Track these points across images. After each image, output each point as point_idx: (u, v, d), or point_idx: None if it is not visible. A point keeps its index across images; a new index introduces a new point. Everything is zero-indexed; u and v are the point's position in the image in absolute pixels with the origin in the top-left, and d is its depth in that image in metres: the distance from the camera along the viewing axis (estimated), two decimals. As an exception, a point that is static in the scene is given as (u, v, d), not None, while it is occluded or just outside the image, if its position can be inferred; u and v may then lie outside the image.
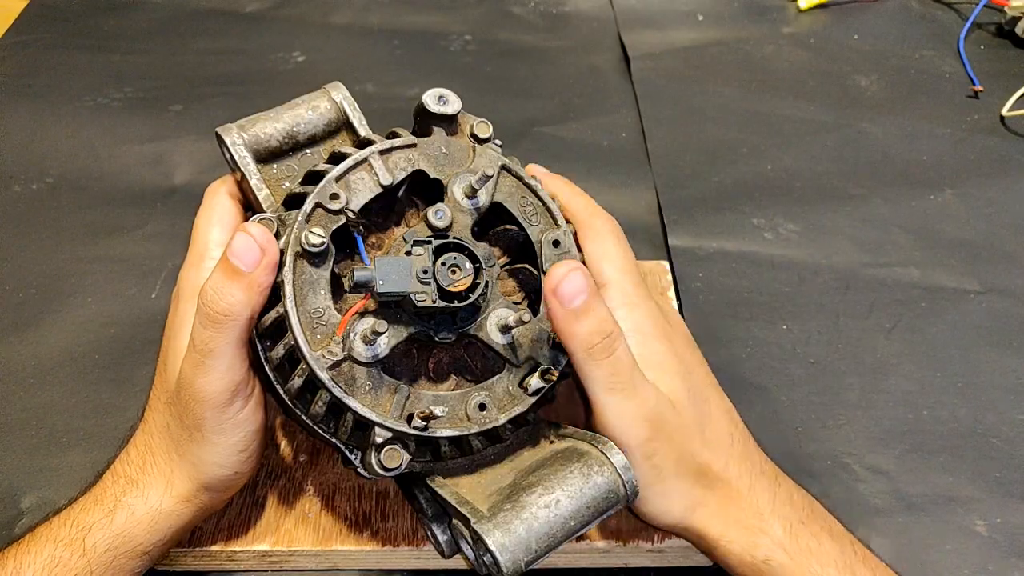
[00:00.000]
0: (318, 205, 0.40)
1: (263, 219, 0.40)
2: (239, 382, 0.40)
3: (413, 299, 0.39)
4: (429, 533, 0.44)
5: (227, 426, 0.41)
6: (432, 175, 0.43)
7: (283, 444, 0.52)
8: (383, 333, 0.38)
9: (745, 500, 0.43)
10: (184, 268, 0.44)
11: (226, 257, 0.38)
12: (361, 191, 0.41)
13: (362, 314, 0.40)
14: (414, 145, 0.43)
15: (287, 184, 0.45)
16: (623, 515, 0.50)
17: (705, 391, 0.46)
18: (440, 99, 0.44)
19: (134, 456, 0.43)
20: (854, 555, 0.43)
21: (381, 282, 0.38)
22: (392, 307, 0.41)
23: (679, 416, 0.43)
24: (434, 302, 0.39)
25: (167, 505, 0.42)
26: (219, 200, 0.45)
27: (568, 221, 0.45)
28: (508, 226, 0.45)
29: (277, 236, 0.40)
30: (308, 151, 0.46)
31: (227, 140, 0.44)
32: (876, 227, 0.73)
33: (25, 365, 0.60)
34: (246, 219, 0.43)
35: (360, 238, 0.41)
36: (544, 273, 0.43)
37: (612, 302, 0.44)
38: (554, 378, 0.42)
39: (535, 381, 0.42)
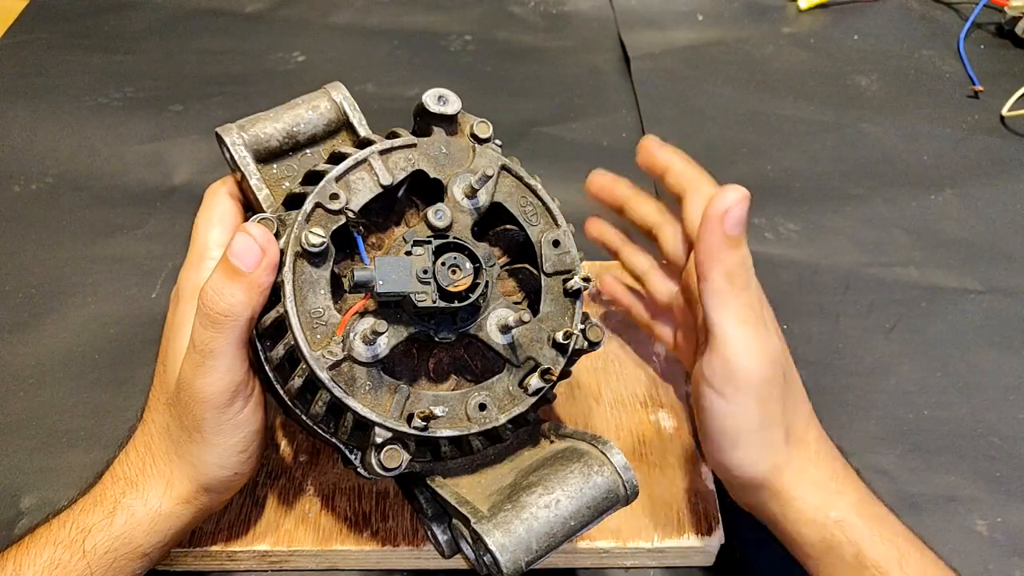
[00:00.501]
0: (318, 205, 0.40)
1: (263, 219, 0.40)
2: (239, 382, 0.40)
3: (413, 299, 0.39)
4: (429, 533, 0.44)
5: (227, 427, 0.41)
6: (432, 175, 0.43)
7: (283, 444, 0.52)
8: (383, 333, 0.38)
9: (823, 463, 0.43)
10: (184, 268, 0.44)
11: (226, 257, 0.38)
12: (361, 191, 0.41)
13: (362, 314, 0.40)
14: (414, 145, 0.43)
15: (287, 184, 0.45)
16: (623, 515, 0.49)
17: (791, 360, 0.46)
18: (440, 99, 0.44)
19: (133, 457, 0.43)
20: (913, 534, 0.43)
21: (381, 282, 0.38)
22: (392, 307, 0.41)
23: (785, 369, 0.43)
24: (434, 302, 0.39)
25: (167, 506, 0.42)
26: (219, 200, 0.45)
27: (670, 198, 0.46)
28: (508, 226, 0.45)
29: (277, 236, 0.40)
30: (308, 151, 0.46)
31: (227, 140, 0.44)
32: (876, 227, 0.73)
33: (25, 365, 0.60)
34: (246, 219, 0.43)
35: (360, 238, 0.41)
36: (544, 273, 0.43)
37: None
38: (554, 378, 0.42)
39: (535, 381, 0.42)
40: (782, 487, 0.42)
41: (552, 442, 0.44)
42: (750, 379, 0.41)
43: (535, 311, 0.43)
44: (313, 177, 0.42)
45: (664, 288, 0.54)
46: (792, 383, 0.44)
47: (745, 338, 0.41)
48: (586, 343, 0.44)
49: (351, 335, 0.39)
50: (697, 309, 0.44)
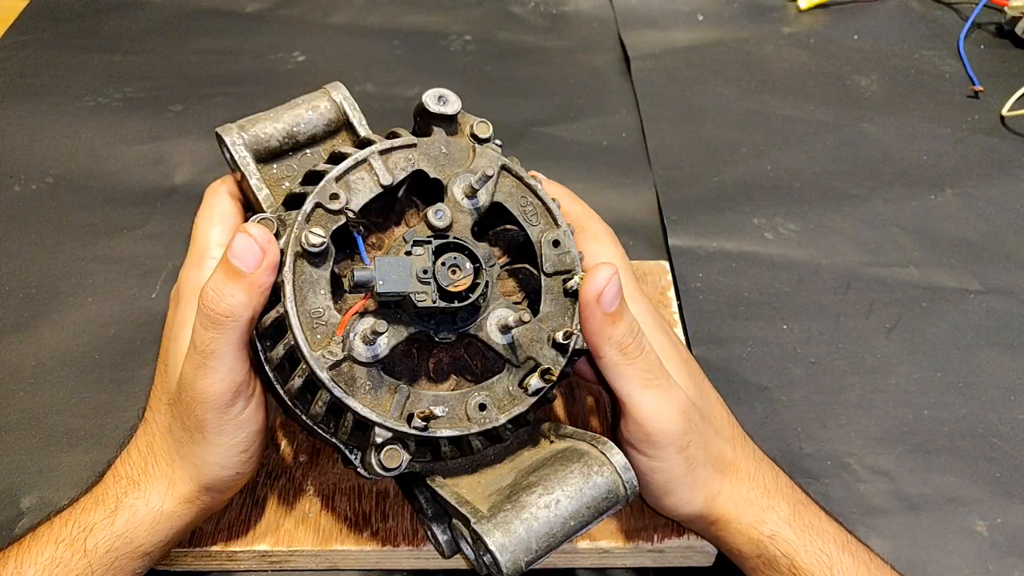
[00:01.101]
0: (318, 205, 0.40)
1: (263, 219, 0.40)
2: (240, 383, 0.40)
3: (413, 299, 0.39)
4: (429, 533, 0.44)
5: (229, 427, 0.41)
6: (432, 175, 0.43)
7: (283, 444, 0.52)
8: (383, 333, 0.38)
9: (753, 481, 0.45)
10: (184, 268, 0.44)
11: (227, 258, 0.38)
12: (361, 191, 0.41)
13: (362, 314, 0.40)
14: (414, 145, 0.43)
15: (287, 184, 0.45)
16: (623, 515, 0.50)
17: (702, 380, 0.48)
18: (440, 99, 0.44)
19: (135, 457, 0.43)
20: (849, 536, 0.44)
21: (381, 282, 0.38)
22: (392, 307, 0.41)
23: (698, 407, 0.44)
24: (434, 302, 0.39)
25: (168, 506, 0.42)
26: (219, 200, 0.45)
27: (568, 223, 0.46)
28: (508, 226, 0.45)
29: (277, 236, 0.40)
30: (308, 151, 0.46)
31: (227, 140, 0.44)
32: (876, 227, 0.73)
33: (25, 365, 0.60)
34: (246, 219, 0.43)
35: (360, 238, 0.41)
36: (544, 273, 0.43)
37: None
38: (554, 378, 0.42)
39: (535, 381, 0.42)
40: (718, 514, 0.44)
41: (552, 442, 0.44)
42: (666, 437, 0.42)
43: (535, 311, 0.43)
44: (313, 177, 0.42)
45: None
46: (712, 417, 0.45)
47: (651, 400, 0.42)
48: (586, 343, 0.44)
49: (351, 335, 0.39)
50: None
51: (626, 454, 0.43)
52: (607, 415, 0.55)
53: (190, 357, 0.40)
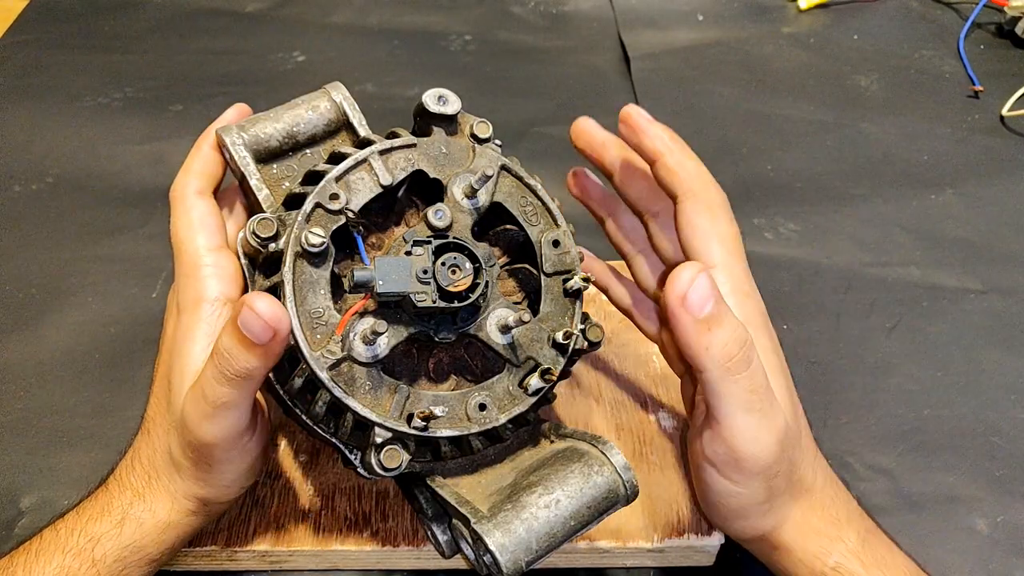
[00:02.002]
0: (318, 205, 0.40)
1: (263, 219, 0.40)
2: (248, 423, 0.39)
3: (413, 299, 0.39)
4: (429, 533, 0.44)
5: (235, 456, 0.40)
6: (432, 175, 0.42)
7: (283, 444, 0.52)
8: (383, 333, 0.38)
9: (827, 510, 0.41)
10: (179, 279, 0.42)
11: (236, 326, 0.35)
12: (361, 191, 0.41)
13: (362, 314, 0.40)
14: (414, 145, 0.42)
15: (287, 184, 0.45)
16: (623, 515, 0.49)
17: (795, 398, 0.42)
18: (440, 99, 0.44)
19: (139, 469, 0.43)
20: (918, 569, 0.41)
21: (381, 282, 0.38)
22: (392, 307, 0.41)
23: (795, 436, 0.40)
24: (434, 302, 0.39)
25: (175, 518, 0.42)
26: (191, 203, 0.43)
27: (673, 191, 0.41)
28: (508, 226, 0.45)
29: (277, 236, 0.40)
30: (308, 151, 0.46)
31: (227, 140, 0.44)
32: (876, 227, 0.73)
33: (25, 365, 0.60)
34: (243, 222, 0.42)
35: (360, 238, 0.41)
36: (544, 273, 0.43)
37: (721, 288, 0.39)
38: (554, 378, 0.42)
39: (535, 381, 0.41)
40: (783, 540, 0.41)
41: (552, 442, 0.44)
42: (757, 466, 0.38)
43: (535, 311, 0.43)
44: (313, 177, 0.42)
45: (651, 278, 0.48)
46: (799, 439, 0.41)
47: (751, 426, 0.38)
48: (586, 343, 0.44)
49: (351, 335, 0.39)
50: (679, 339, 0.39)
51: (702, 470, 0.40)
52: (608, 415, 0.55)
53: (198, 404, 0.38)
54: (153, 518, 0.42)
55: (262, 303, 0.34)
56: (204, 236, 0.42)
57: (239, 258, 0.42)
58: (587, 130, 0.48)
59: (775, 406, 0.39)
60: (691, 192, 0.42)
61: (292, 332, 0.38)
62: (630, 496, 0.40)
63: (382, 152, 0.42)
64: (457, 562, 0.45)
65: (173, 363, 0.41)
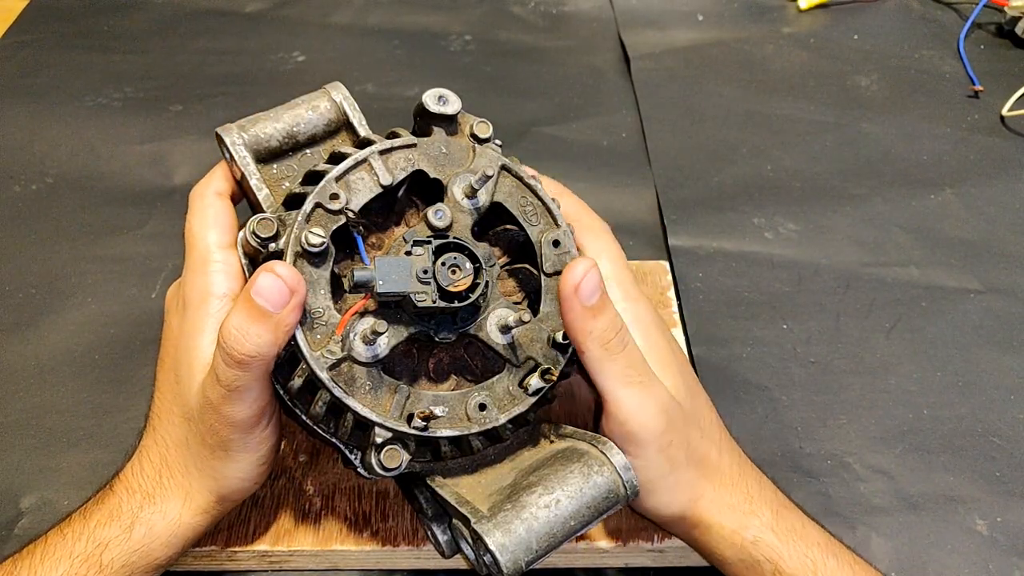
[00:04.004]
0: (318, 205, 0.40)
1: (263, 219, 0.40)
2: (265, 405, 0.40)
3: (413, 299, 0.39)
4: (429, 533, 0.44)
5: (252, 444, 0.41)
6: (432, 175, 0.43)
7: (283, 444, 0.52)
8: (383, 333, 0.38)
9: (737, 486, 0.45)
10: (187, 273, 0.43)
11: (249, 297, 0.36)
12: (361, 191, 0.41)
13: (362, 314, 0.40)
14: (414, 145, 0.43)
15: (287, 184, 0.45)
16: (623, 515, 0.50)
17: (694, 383, 0.47)
18: (440, 99, 0.44)
19: (148, 469, 0.43)
20: (831, 539, 0.44)
21: (381, 282, 0.38)
22: (392, 307, 0.41)
23: (682, 408, 0.44)
24: (434, 302, 0.39)
25: (186, 518, 0.42)
26: (209, 202, 0.44)
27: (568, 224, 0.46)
28: (508, 226, 0.45)
29: (277, 236, 0.40)
30: (308, 151, 0.46)
31: (227, 140, 0.44)
32: (876, 227, 0.73)
33: (25, 365, 0.60)
34: (242, 225, 0.42)
35: (360, 238, 0.41)
36: (544, 273, 0.43)
37: (612, 295, 0.44)
38: (554, 378, 0.42)
39: (535, 381, 0.42)
40: (700, 517, 0.44)
41: (552, 442, 0.44)
42: (647, 435, 0.41)
43: (535, 311, 0.43)
44: (313, 177, 0.42)
45: None
46: (697, 417, 0.45)
47: (632, 398, 0.41)
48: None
49: (351, 335, 0.39)
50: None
51: None
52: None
53: (213, 387, 0.38)
54: (164, 520, 0.42)
55: (282, 268, 0.37)
56: (216, 233, 0.43)
57: (240, 258, 0.42)
58: None
59: (654, 381, 0.43)
60: (578, 222, 0.48)
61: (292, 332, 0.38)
62: (630, 496, 0.40)
63: (382, 152, 0.42)
64: (457, 562, 0.45)
65: (180, 357, 0.42)
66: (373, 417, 0.39)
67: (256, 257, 0.41)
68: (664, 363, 0.45)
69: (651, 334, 0.45)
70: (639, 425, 0.41)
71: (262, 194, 0.44)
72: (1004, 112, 0.84)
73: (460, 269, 0.40)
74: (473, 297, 0.40)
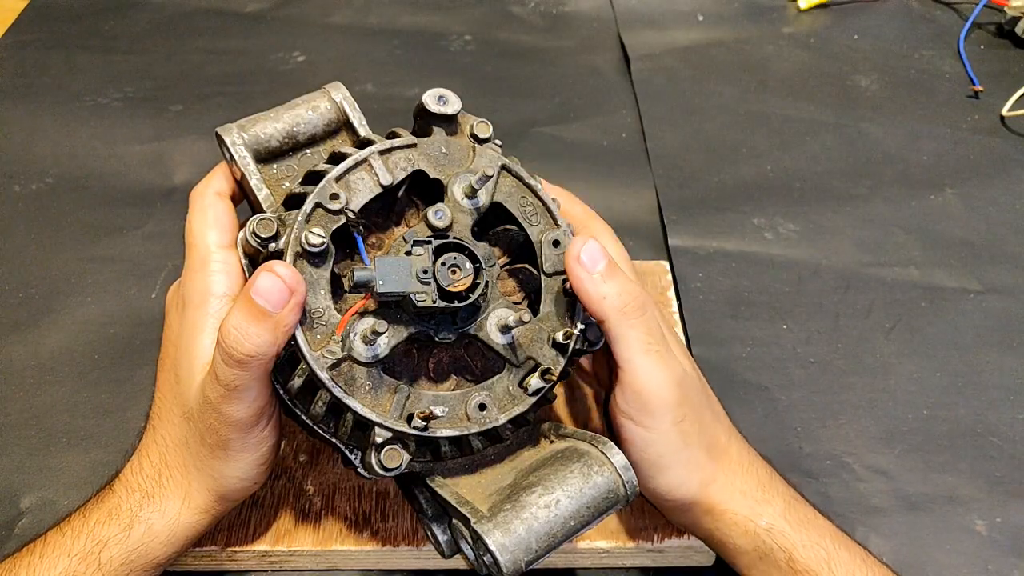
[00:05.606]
0: (318, 205, 0.40)
1: (263, 219, 0.40)
2: (265, 405, 0.40)
3: (413, 299, 0.39)
4: (429, 533, 0.44)
5: (251, 444, 0.41)
6: (432, 175, 0.43)
7: (283, 444, 0.52)
8: (383, 333, 0.38)
9: (748, 473, 0.44)
10: (187, 273, 0.43)
11: (249, 297, 0.36)
12: (361, 191, 0.41)
13: (362, 314, 0.40)
14: (414, 145, 0.43)
15: (287, 184, 0.45)
16: (623, 515, 0.50)
17: (696, 367, 0.47)
18: (440, 99, 0.44)
19: (148, 469, 0.43)
20: (843, 532, 0.44)
21: (381, 282, 0.38)
22: (392, 307, 0.41)
23: (697, 384, 0.44)
24: (434, 302, 0.39)
25: (185, 517, 0.42)
26: (209, 202, 0.44)
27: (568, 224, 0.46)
28: (508, 226, 0.45)
29: (277, 236, 0.40)
30: (308, 151, 0.46)
31: (227, 140, 0.44)
32: (876, 227, 0.73)
33: (25, 365, 0.60)
34: (242, 224, 0.42)
35: (360, 238, 0.41)
36: (544, 273, 0.43)
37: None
38: (554, 378, 0.42)
39: (535, 381, 0.42)
40: (712, 502, 0.43)
41: (552, 442, 0.44)
42: (664, 404, 0.41)
43: (535, 311, 0.43)
44: (313, 177, 0.42)
45: None
46: (708, 400, 0.45)
47: (650, 365, 0.41)
48: (586, 343, 0.44)
49: (351, 335, 0.39)
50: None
51: (620, 427, 0.42)
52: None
53: (213, 387, 0.39)
54: (163, 519, 0.42)
55: (282, 268, 0.37)
56: (216, 233, 0.43)
57: (240, 258, 0.42)
58: None
59: (672, 353, 0.43)
60: (583, 225, 0.49)
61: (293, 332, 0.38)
62: (630, 496, 0.40)
63: (382, 152, 0.42)
64: (457, 562, 0.45)
65: (180, 356, 0.42)
66: (373, 417, 0.39)
67: (256, 257, 0.41)
68: (674, 346, 0.45)
69: (670, 318, 0.46)
70: (655, 394, 0.41)
71: (262, 194, 0.44)
72: (1004, 112, 0.84)
73: (460, 269, 0.40)
74: (473, 297, 0.40)
